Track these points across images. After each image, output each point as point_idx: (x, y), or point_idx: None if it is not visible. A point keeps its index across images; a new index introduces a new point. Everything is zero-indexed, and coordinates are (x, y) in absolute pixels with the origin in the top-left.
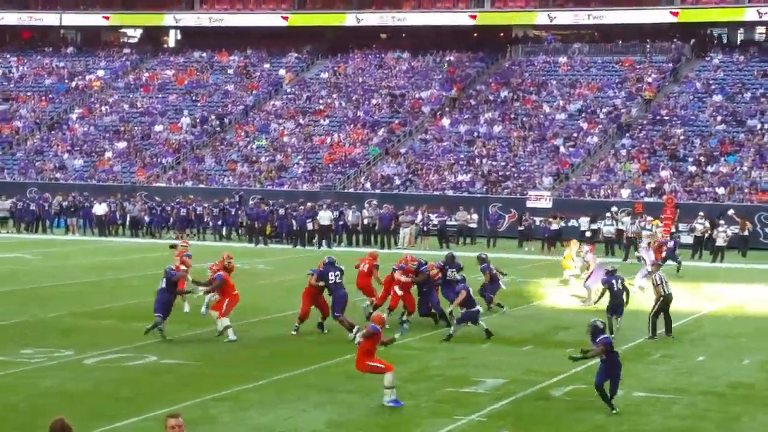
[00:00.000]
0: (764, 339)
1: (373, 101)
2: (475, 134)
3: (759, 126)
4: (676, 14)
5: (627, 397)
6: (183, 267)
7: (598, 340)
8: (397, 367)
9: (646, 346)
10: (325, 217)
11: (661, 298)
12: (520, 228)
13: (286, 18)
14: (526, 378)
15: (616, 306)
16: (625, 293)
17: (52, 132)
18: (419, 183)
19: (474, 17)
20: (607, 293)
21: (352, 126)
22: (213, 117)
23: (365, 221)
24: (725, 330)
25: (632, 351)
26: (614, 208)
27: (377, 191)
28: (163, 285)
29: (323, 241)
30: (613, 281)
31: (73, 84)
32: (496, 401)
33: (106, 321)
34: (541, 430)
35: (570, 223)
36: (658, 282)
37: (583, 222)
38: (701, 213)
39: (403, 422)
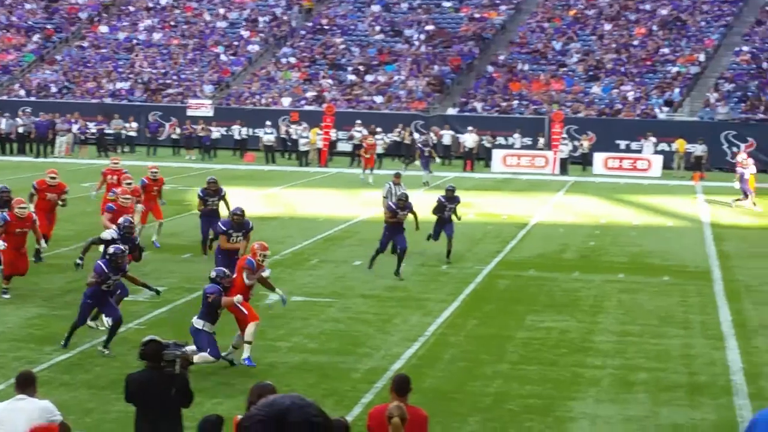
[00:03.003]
0: (417, 244)
1: (27, 6)
2: (135, 41)
3: (416, 36)
4: None
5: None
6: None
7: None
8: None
9: (304, 252)
10: None
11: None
12: (174, 137)
13: None
14: (186, 285)
15: None
16: None
17: None
18: (77, 91)
19: None
20: None
21: (4, 31)
22: None
23: (20, 130)
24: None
25: (290, 258)
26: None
27: (32, 99)
28: None
29: None
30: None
31: None
32: (154, 309)
33: None
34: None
35: (229, 132)
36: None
37: (236, 130)
38: (359, 121)
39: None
